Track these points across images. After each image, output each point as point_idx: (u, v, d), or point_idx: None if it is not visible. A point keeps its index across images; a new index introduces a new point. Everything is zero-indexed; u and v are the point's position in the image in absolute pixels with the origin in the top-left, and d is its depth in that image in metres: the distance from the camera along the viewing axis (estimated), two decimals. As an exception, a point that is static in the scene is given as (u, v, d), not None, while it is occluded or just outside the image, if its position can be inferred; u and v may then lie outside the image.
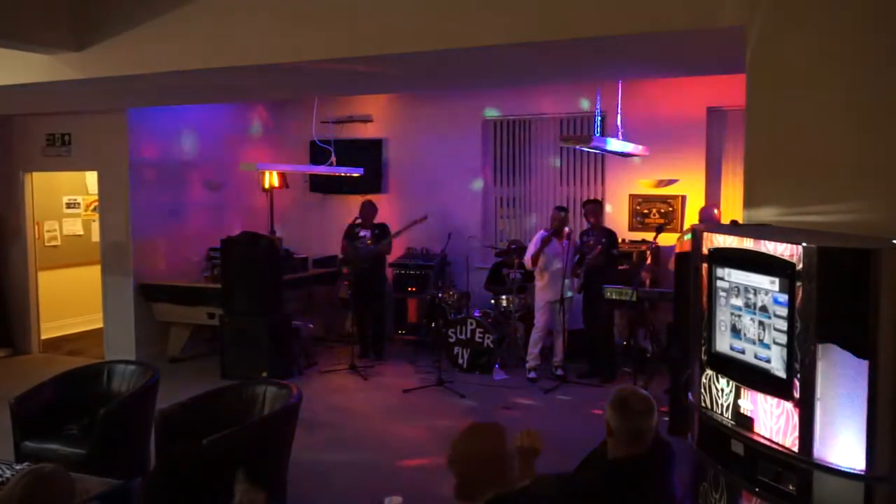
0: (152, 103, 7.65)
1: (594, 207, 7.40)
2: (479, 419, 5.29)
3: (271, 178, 8.96)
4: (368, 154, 8.97)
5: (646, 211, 8.11)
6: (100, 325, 8.45)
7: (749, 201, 3.38)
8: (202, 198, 8.66)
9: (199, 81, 5.55)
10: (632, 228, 8.11)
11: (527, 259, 7.35)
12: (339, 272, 8.55)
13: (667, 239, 7.39)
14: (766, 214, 3.29)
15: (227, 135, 9.00)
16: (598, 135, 7.00)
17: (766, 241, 2.70)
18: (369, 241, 7.93)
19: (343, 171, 8.18)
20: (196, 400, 4.40)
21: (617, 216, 8.11)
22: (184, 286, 7.98)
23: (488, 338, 7.56)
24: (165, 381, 4.85)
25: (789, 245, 2.58)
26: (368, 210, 8.11)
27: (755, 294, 2.77)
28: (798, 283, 2.52)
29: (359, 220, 8.08)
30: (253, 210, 9.09)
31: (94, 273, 8.50)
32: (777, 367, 2.66)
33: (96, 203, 8.78)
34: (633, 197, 8.14)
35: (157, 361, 7.28)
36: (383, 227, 8.07)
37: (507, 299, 7.92)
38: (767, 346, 2.72)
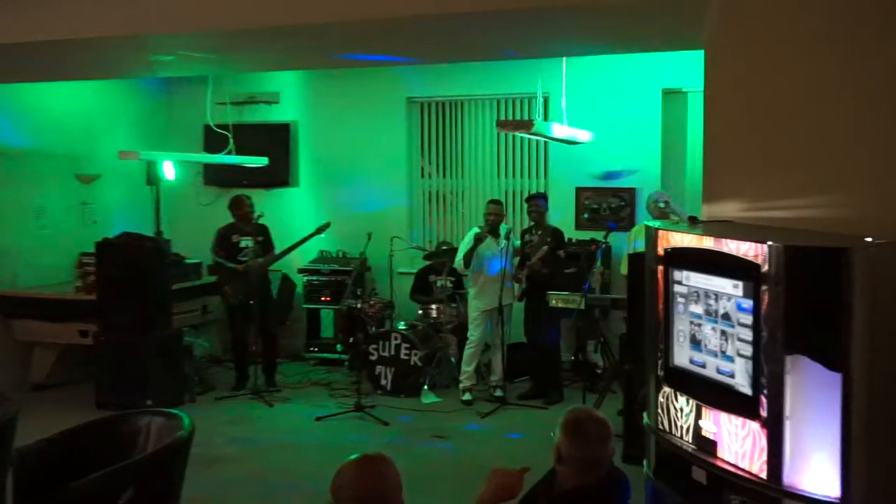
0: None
1: (538, 203, 7.45)
2: (393, 452, 5.26)
3: (157, 170, 8.73)
4: (274, 141, 8.88)
5: (595, 206, 8.23)
6: (-55, 347, 8.10)
7: (709, 195, 3.45)
8: (72, 193, 8.39)
9: (48, 55, 5.39)
10: (579, 226, 8.22)
11: (458, 261, 7.36)
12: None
13: (619, 238, 7.52)
14: (728, 210, 3.35)
15: (104, 118, 8.74)
16: (539, 119, 7.07)
17: (728, 240, 2.75)
18: (258, 256, 7.60)
19: (244, 161, 8.04)
20: (65, 435, 4.27)
21: (563, 212, 8.20)
22: (50, 299, 7.74)
23: (415, 354, 7.54)
24: (27, 413, 4.65)
25: (753, 244, 2.63)
26: (241, 208, 7.78)
27: (716, 300, 2.82)
28: (763, 287, 2.57)
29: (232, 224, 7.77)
30: (135, 207, 8.83)
31: (-64, 284, 8.13)
32: (742, 383, 2.71)
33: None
34: (580, 190, 8.26)
35: (17, 390, 7.02)
36: (264, 231, 7.85)
37: (438, 309, 7.92)
38: (731, 359, 2.76)
